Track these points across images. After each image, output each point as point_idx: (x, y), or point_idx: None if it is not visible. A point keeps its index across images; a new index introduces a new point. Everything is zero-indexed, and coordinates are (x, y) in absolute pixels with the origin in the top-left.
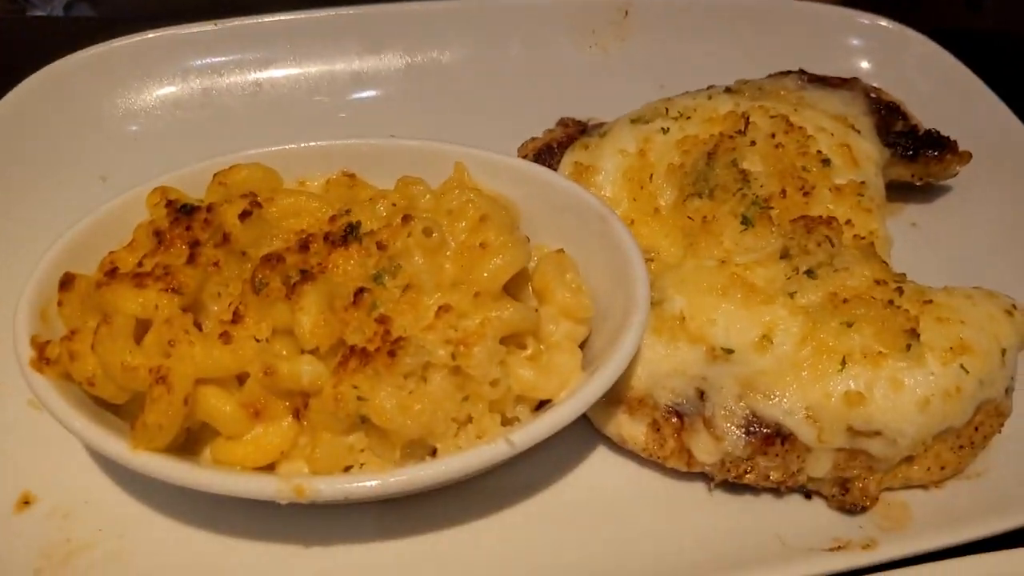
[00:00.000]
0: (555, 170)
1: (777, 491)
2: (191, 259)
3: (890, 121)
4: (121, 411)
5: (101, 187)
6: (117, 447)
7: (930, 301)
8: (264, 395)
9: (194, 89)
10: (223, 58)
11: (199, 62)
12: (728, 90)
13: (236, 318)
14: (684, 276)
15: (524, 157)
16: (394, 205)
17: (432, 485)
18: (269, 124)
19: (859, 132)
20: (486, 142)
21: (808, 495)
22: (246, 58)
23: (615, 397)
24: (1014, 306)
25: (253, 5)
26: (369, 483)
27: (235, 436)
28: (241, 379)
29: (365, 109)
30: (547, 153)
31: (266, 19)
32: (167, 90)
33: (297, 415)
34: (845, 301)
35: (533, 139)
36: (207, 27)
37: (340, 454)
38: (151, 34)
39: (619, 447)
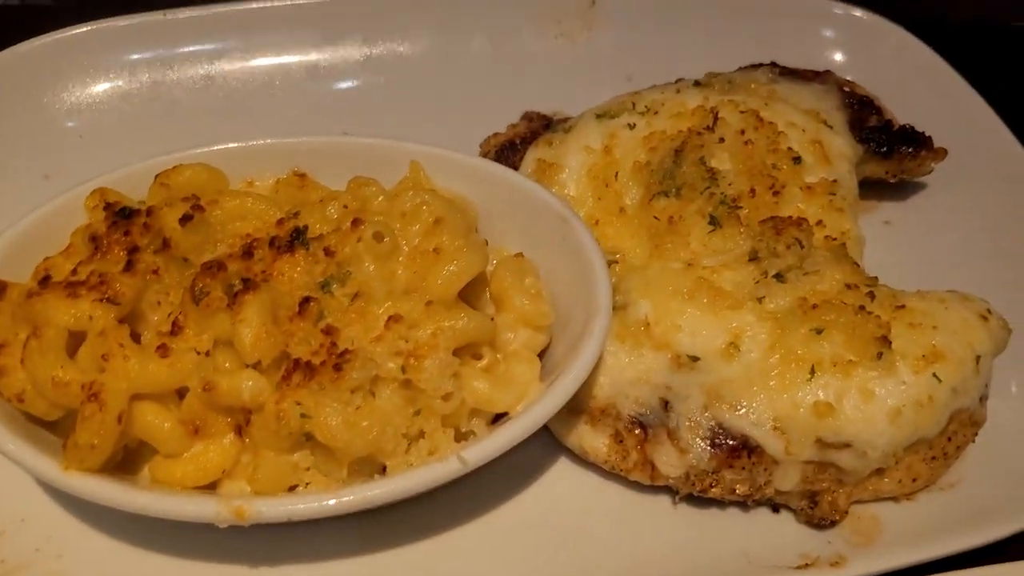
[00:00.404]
0: (518, 167)
1: (744, 505)
2: (129, 266)
3: (864, 116)
4: (56, 427)
5: (44, 186)
6: (48, 467)
7: (902, 306)
8: (204, 411)
9: (142, 83)
10: (173, 50)
11: (147, 55)
12: (697, 83)
13: (175, 329)
14: (649, 279)
15: (486, 153)
16: (345, 207)
17: (381, 504)
18: (220, 119)
19: (831, 128)
20: (448, 137)
21: (776, 509)
22: (197, 50)
23: (577, 407)
24: (989, 310)
25: None
26: (314, 504)
27: (174, 454)
28: (181, 393)
29: (321, 104)
30: (510, 149)
31: (218, 9)
32: (114, 84)
33: (239, 432)
34: (815, 307)
35: (496, 134)
36: (155, 17)
37: (284, 473)
38: (95, 25)
39: (581, 459)
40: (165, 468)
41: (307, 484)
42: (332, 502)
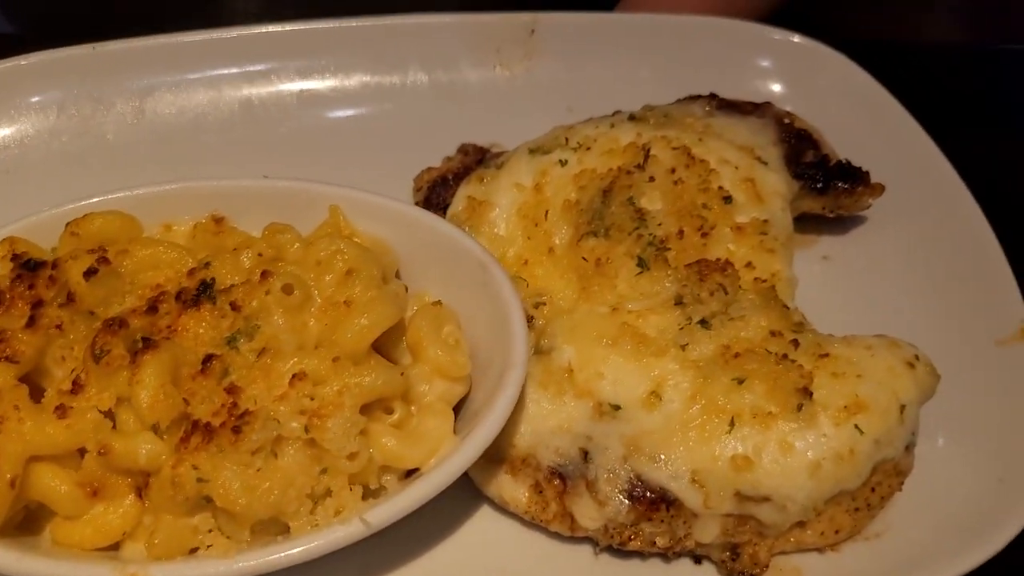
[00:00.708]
0: (450, 204)
1: (665, 556)
2: (31, 322)
3: (801, 151)
4: None
5: None
6: None
7: (827, 354)
8: (103, 473)
9: (71, 117)
10: (103, 86)
11: (77, 90)
12: (632, 117)
13: (76, 388)
14: (575, 323)
15: (419, 188)
16: (260, 255)
17: (285, 567)
18: (150, 155)
19: (766, 164)
20: (383, 171)
21: (698, 560)
22: (128, 85)
23: (497, 456)
24: (916, 356)
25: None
26: (212, 570)
27: (73, 516)
28: (83, 452)
29: (252, 140)
30: (442, 185)
31: (148, 41)
32: (42, 120)
33: (140, 493)
34: (737, 355)
35: (430, 169)
36: (83, 50)
37: (184, 536)
38: (22, 59)
39: (503, 508)
40: (65, 530)
41: (208, 546)
42: (231, 567)
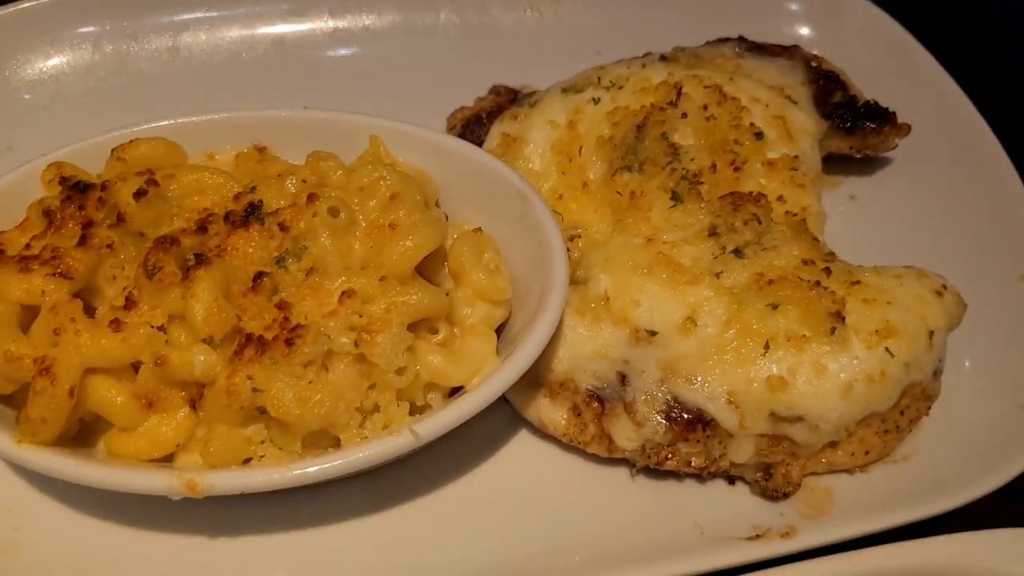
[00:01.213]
0: (484, 141)
1: (699, 477)
2: (83, 241)
3: (829, 91)
4: (11, 400)
5: (8, 157)
6: (1, 441)
7: (858, 282)
8: (158, 385)
9: (106, 54)
10: (137, 21)
11: (111, 26)
12: (663, 58)
13: (129, 304)
14: (610, 254)
15: (453, 127)
16: (303, 182)
17: (335, 477)
18: (186, 92)
19: (795, 103)
20: (415, 110)
21: (731, 480)
22: (162, 21)
23: (536, 380)
24: (944, 286)
25: None
26: (267, 477)
27: (128, 428)
28: (136, 367)
29: (287, 76)
30: (476, 123)
31: None
32: (77, 55)
33: (194, 405)
34: (771, 282)
35: (463, 108)
36: None
37: (237, 447)
38: None
39: (541, 431)
40: (120, 441)
41: (261, 457)
42: (285, 475)
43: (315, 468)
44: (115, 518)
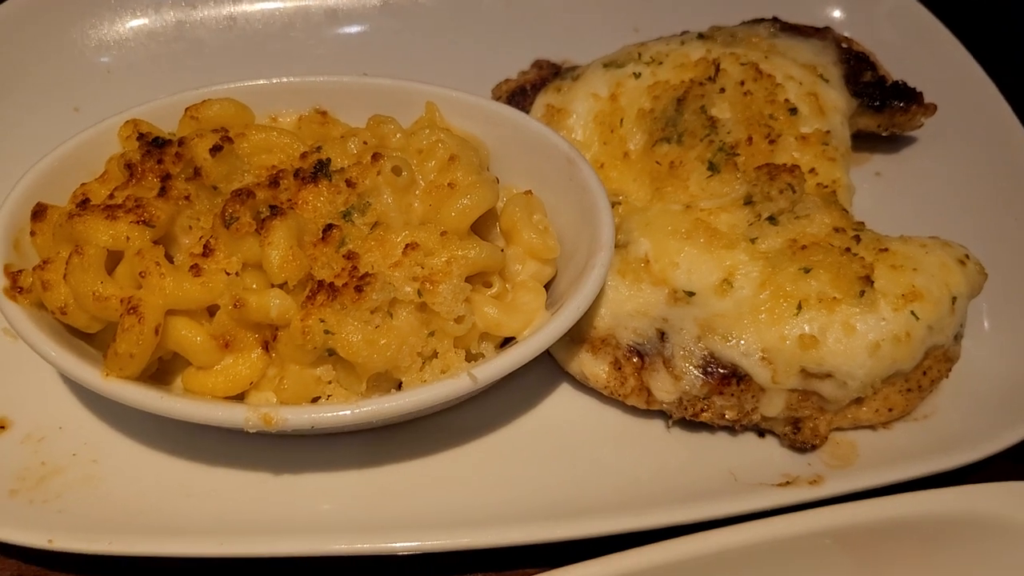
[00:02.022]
0: (527, 112)
1: (732, 429)
2: (162, 192)
3: (859, 71)
4: (95, 339)
5: (74, 118)
6: (89, 374)
7: (886, 249)
8: (234, 327)
9: (168, 22)
10: None
11: None
12: (701, 36)
13: (207, 251)
14: (650, 220)
15: (498, 98)
16: (365, 143)
17: (397, 417)
18: (242, 59)
19: (827, 81)
20: (460, 82)
21: (761, 433)
22: None
23: (579, 336)
24: (967, 256)
25: None
26: (335, 413)
27: (205, 366)
28: (212, 311)
29: (339, 46)
30: (520, 95)
31: None
32: (140, 22)
33: (266, 347)
34: (804, 248)
35: (507, 80)
36: None
37: (308, 385)
38: None
39: (583, 385)
40: (197, 379)
41: (328, 396)
42: (352, 412)
43: (381, 406)
44: (184, 454)
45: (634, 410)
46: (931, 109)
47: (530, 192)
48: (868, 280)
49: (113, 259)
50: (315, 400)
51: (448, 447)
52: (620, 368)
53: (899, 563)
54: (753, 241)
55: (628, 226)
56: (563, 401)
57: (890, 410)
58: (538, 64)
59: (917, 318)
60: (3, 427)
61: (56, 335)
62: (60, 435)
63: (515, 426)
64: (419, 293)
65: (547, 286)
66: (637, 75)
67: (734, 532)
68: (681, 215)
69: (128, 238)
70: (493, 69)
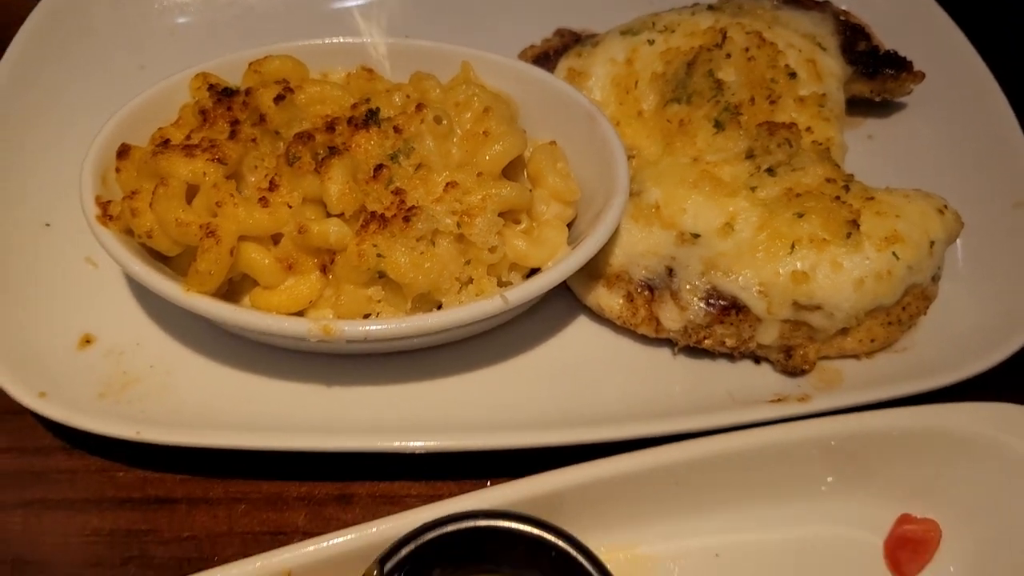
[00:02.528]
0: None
1: (731, 356)
2: (232, 135)
3: (854, 41)
4: (171, 263)
5: (140, 75)
6: (173, 289)
7: (872, 198)
8: (296, 252)
9: None
10: None
11: None
12: (710, 7)
13: (272, 187)
14: (661, 171)
15: (524, 61)
16: (408, 96)
17: (437, 331)
18: (291, 24)
19: (825, 50)
20: (491, 47)
21: (757, 360)
22: None
23: (595, 272)
24: (945, 206)
25: None
26: (384, 326)
27: (271, 286)
28: (275, 240)
29: (383, 12)
30: (544, 59)
31: None
32: None
33: (324, 270)
34: (798, 195)
35: (532, 46)
36: None
37: (360, 303)
38: None
39: (598, 317)
40: (263, 297)
41: (378, 314)
42: (399, 325)
43: (425, 321)
44: (246, 368)
45: (644, 339)
46: (919, 76)
47: (554, 143)
48: (855, 224)
49: (189, 194)
50: (366, 317)
51: (477, 369)
52: (632, 300)
53: (874, 472)
54: (753, 190)
55: (641, 177)
56: (580, 331)
57: (872, 341)
58: (560, 32)
59: (898, 258)
60: (89, 342)
61: (140, 258)
62: (138, 350)
63: (537, 352)
64: (458, 225)
65: (569, 226)
66: (651, 42)
67: (731, 438)
68: (689, 167)
69: (204, 173)
70: (519, 36)
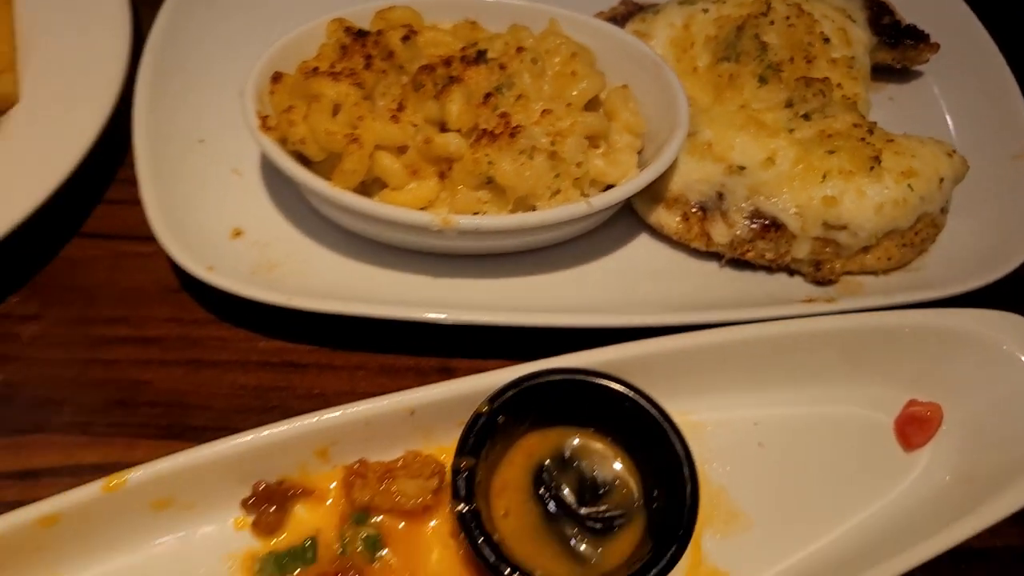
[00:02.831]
0: None
1: (769, 269)
2: (367, 67)
3: (880, 15)
4: (312, 167)
5: (274, 24)
6: (321, 185)
7: (892, 140)
8: (419, 160)
9: None
10: None
11: None
12: None
13: (400, 108)
14: (713, 116)
15: None
16: (507, 43)
17: (533, 227)
18: None
19: (855, 21)
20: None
21: (791, 272)
22: None
23: (657, 196)
24: (954, 151)
25: None
26: (492, 220)
27: (398, 187)
28: (401, 152)
29: None
30: (612, 23)
31: None
32: None
33: (441, 176)
34: (829, 136)
35: (600, 12)
36: None
37: (471, 203)
38: None
39: (656, 235)
40: (391, 196)
41: (484, 212)
42: (503, 220)
43: (525, 218)
44: (367, 260)
45: (695, 253)
46: (935, 47)
47: (626, 86)
48: (877, 160)
49: (333, 112)
50: (475, 214)
51: (556, 271)
52: (687, 219)
53: (886, 362)
54: (791, 132)
55: (695, 121)
56: (641, 246)
57: (889, 259)
58: (625, 2)
59: (912, 189)
60: (238, 234)
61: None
62: (278, 243)
63: (605, 261)
64: (551, 143)
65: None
66: (705, 10)
67: (769, 326)
68: (736, 113)
69: (347, 94)
70: (592, 5)
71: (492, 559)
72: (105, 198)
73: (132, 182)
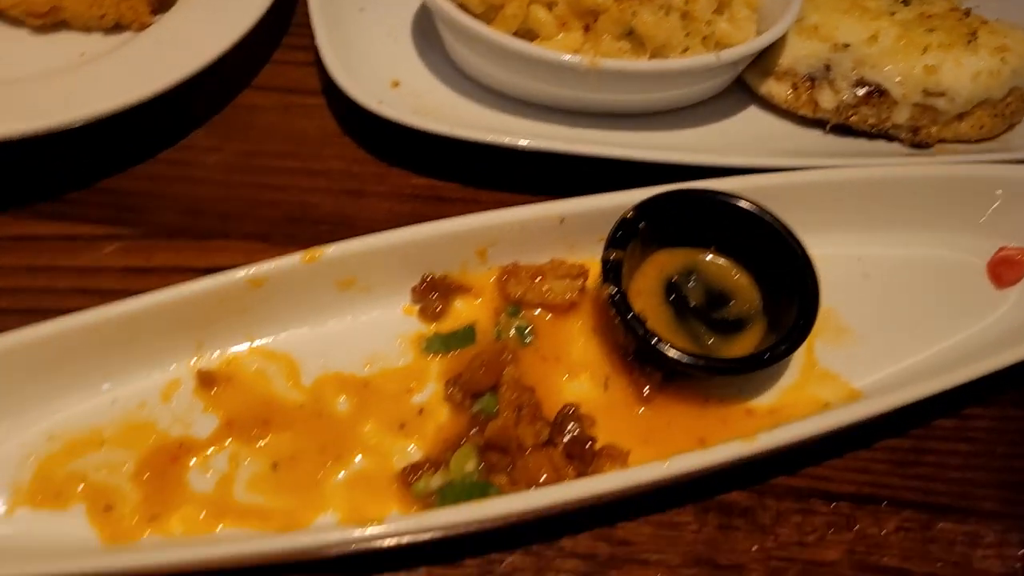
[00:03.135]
0: None
1: (870, 135)
2: None
3: None
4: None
5: None
6: (482, 28)
7: (986, 22)
8: (568, 14)
9: None
10: None
11: None
12: None
13: None
14: (818, 3)
15: None
16: None
17: (668, 73)
18: None
19: None
20: None
21: (890, 139)
22: None
23: (768, 69)
24: None
25: None
26: (633, 64)
27: (548, 37)
28: (550, 7)
29: None
30: None
31: None
32: None
33: (586, 30)
34: (928, 17)
35: None
36: None
37: (613, 51)
38: None
39: (765, 107)
40: (542, 45)
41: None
42: (643, 66)
43: (664, 64)
44: (497, 109)
45: (802, 121)
46: None
47: None
48: (974, 35)
49: None
50: None
51: (674, 137)
52: (796, 88)
53: (980, 211)
54: (892, 14)
55: (804, 10)
56: (753, 115)
57: (981, 128)
58: None
59: (1005, 63)
60: (397, 84)
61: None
62: (429, 95)
63: (719, 126)
64: (685, 2)
65: None
66: None
67: (874, 169)
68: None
69: None
70: None
71: (641, 331)
72: (272, 59)
73: (297, 47)
